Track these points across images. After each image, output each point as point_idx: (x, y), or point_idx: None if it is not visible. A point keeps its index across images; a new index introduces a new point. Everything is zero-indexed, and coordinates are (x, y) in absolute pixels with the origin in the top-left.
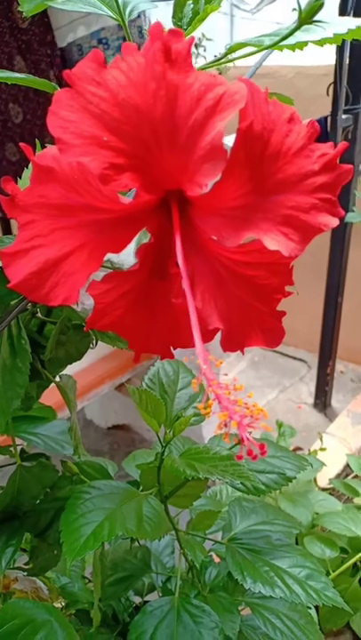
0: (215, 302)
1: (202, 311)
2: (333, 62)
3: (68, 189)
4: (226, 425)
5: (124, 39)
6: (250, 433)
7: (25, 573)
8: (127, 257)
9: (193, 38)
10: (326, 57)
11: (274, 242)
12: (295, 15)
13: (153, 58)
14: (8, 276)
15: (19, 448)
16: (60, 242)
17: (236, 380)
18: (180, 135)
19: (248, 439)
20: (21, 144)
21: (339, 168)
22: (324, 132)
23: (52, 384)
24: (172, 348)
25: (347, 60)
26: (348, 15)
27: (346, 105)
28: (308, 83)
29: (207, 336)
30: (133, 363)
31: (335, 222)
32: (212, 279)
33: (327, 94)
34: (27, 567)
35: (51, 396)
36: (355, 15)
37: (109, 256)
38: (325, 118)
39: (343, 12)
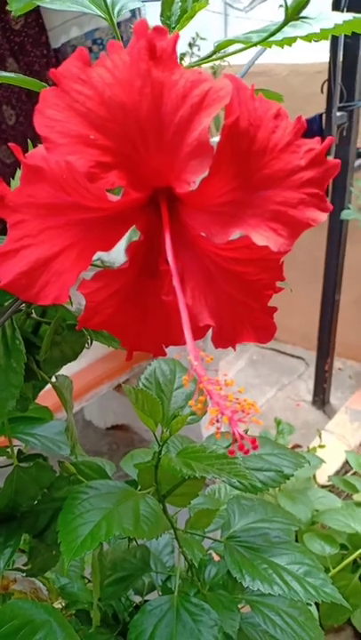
0: (206, 299)
1: (192, 308)
2: (327, 60)
3: (57, 188)
4: (218, 421)
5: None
6: (246, 431)
7: (24, 574)
8: (117, 255)
9: (178, 35)
10: (320, 54)
11: (262, 237)
12: None
13: (138, 55)
14: None
15: (16, 449)
16: (49, 241)
17: (234, 382)
18: (167, 132)
19: (240, 434)
20: (10, 144)
21: (326, 163)
22: (318, 129)
23: (49, 385)
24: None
25: (341, 58)
26: (342, 10)
27: (340, 102)
28: (302, 80)
29: (198, 333)
30: (126, 361)
31: (323, 217)
32: (203, 276)
33: (321, 92)
34: (25, 568)
35: (48, 398)
36: (348, 10)
37: (100, 254)
38: (320, 116)
39: (337, 6)
